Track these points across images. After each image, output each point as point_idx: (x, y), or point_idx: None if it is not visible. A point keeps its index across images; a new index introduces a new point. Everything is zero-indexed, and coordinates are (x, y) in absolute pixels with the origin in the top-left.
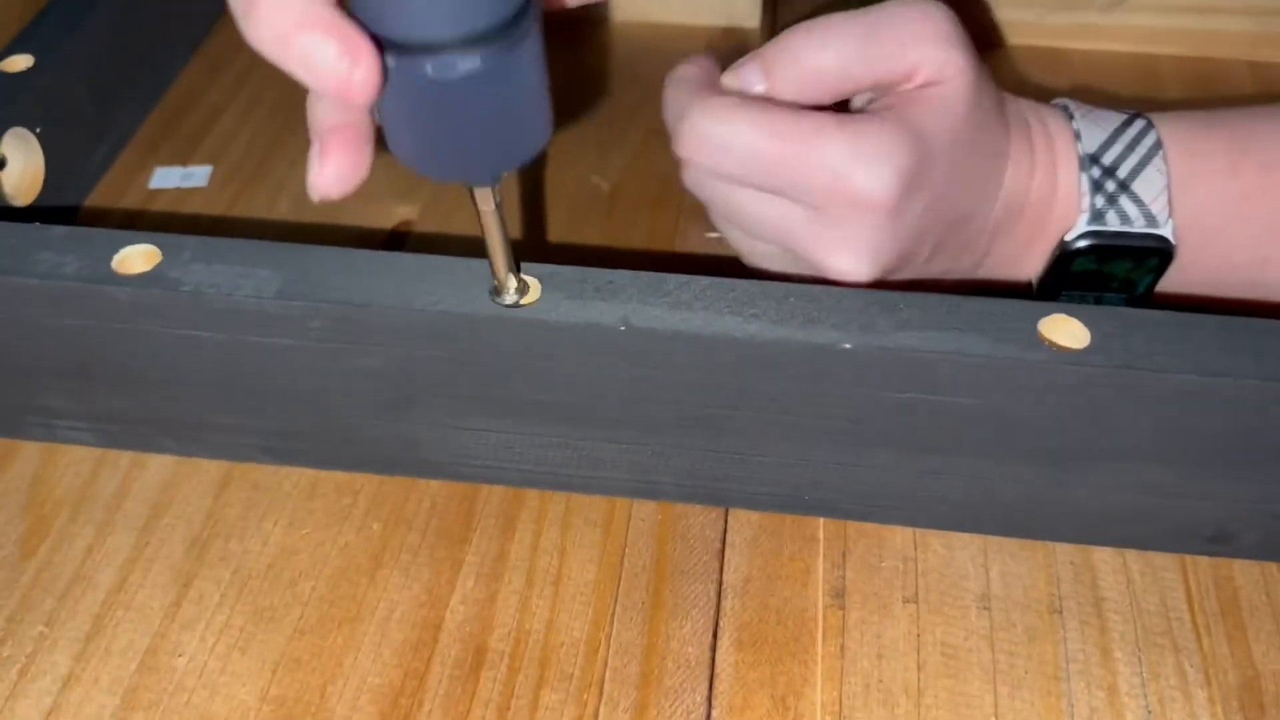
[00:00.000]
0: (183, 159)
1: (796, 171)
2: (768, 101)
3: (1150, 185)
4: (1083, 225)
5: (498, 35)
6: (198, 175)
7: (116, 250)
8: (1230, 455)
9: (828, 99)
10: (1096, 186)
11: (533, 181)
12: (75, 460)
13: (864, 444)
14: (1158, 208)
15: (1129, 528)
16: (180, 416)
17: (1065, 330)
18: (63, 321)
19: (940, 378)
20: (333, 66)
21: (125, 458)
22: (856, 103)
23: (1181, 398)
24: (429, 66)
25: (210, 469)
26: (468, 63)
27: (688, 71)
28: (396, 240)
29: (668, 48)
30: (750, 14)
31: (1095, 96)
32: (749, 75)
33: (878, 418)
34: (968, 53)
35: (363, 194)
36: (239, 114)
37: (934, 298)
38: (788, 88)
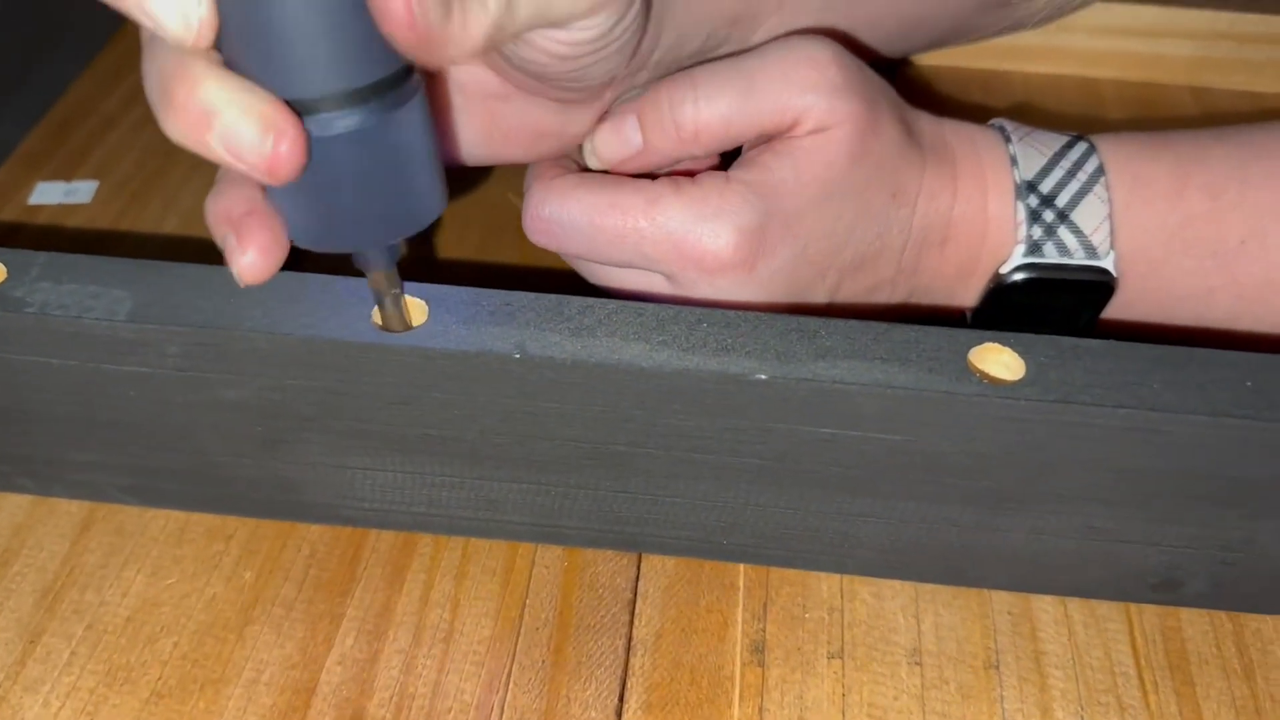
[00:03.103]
0: (68, 174)
1: (640, 244)
2: (606, 175)
3: (1091, 214)
4: (1019, 257)
5: (378, 95)
6: (82, 191)
7: None
8: (1175, 496)
9: (708, 152)
10: (1034, 216)
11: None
12: None
13: (784, 484)
14: (1098, 238)
15: (1070, 575)
16: (35, 452)
17: (998, 361)
18: None
19: (863, 412)
20: (258, 145)
21: None
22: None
23: (1122, 434)
24: (309, 125)
25: (71, 510)
26: (347, 120)
27: None
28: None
29: None
30: None
31: (1036, 120)
32: (626, 130)
33: (798, 455)
34: (854, 97)
35: None
36: (131, 128)
37: (859, 325)
38: (665, 144)
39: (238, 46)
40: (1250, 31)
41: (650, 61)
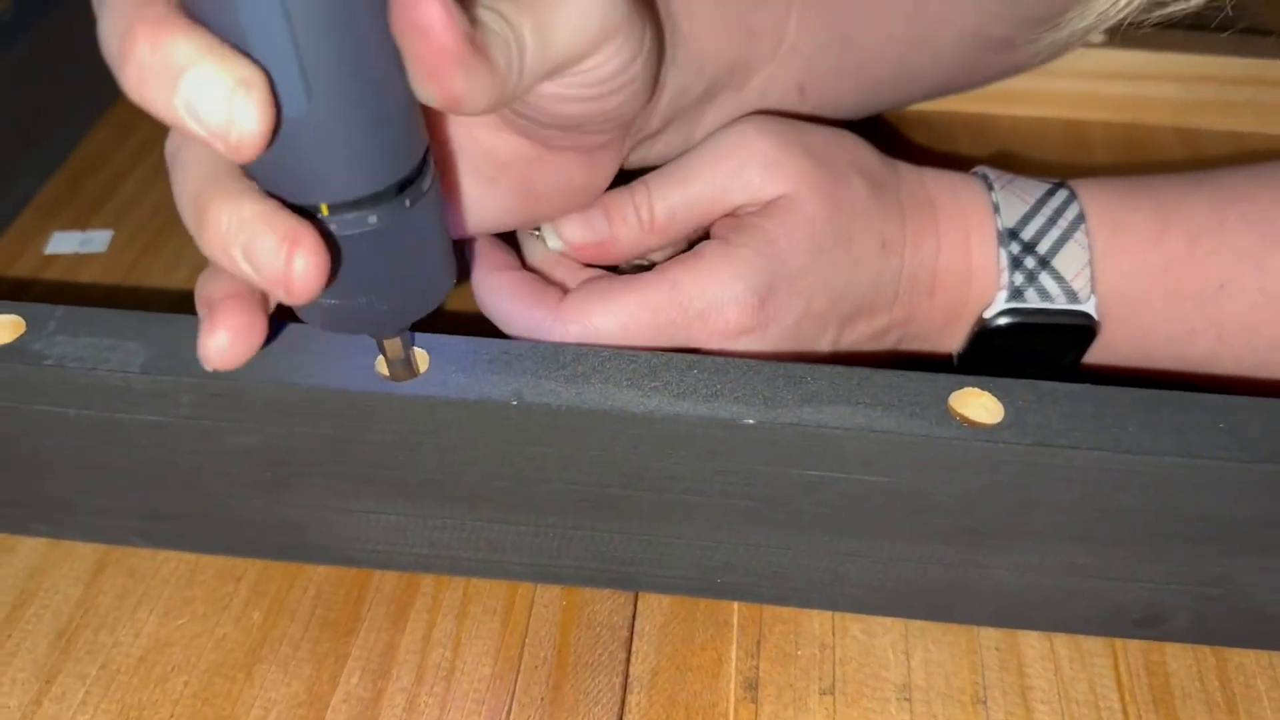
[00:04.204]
0: (83, 224)
1: (673, 334)
2: (608, 277)
3: (1072, 260)
4: (1002, 302)
5: (398, 192)
6: (97, 240)
7: None
8: (1153, 534)
9: (668, 241)
10: (1015, 263)
11: None
12: None
13: (774, 524)
14: (1079, 284)
15: (1054, 610)
16: (51, 497)
17: (978, 404)
18: None
19: (848, 454)
20: (280, 267)
21: None
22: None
23: (1099, 475)
24: (332, 225)
25: (85, 553)
26: (369, 219)
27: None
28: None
29: None
30: None
31: (1023, 163)
32: (593, 219)
33: (786, 496)
34: (796, 160)
35: None
36: (144, 178)
37: (843, 370)
38: (628, 233)
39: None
40: (1233, 74)
41: (659, 107)
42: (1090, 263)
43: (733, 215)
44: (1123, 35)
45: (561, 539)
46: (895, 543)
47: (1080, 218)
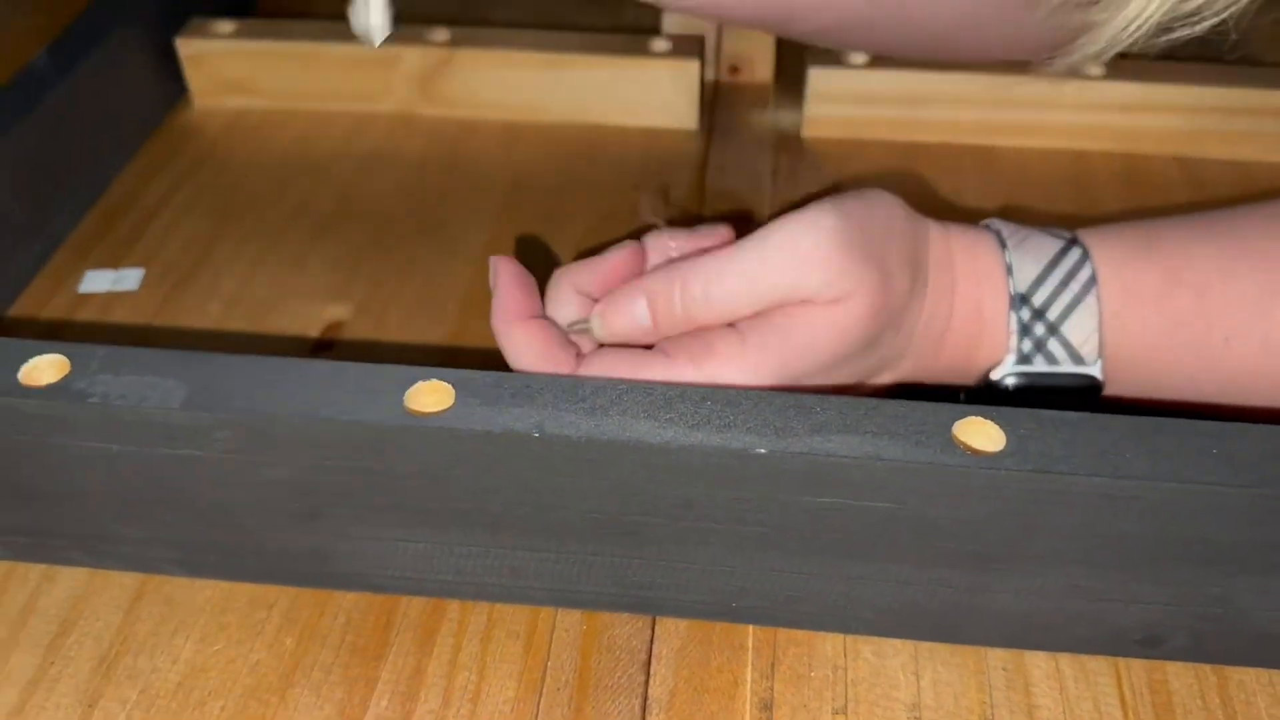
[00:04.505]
0: (115, 262)
1: None
2: (646, 359)
3: (1081, 326)
4: (1009, 365)
5: None
6: (129, 278)
7: (25, 361)
8: (1152, 557)
9: (723, 322)
10: (1025, 330)
11: (472, 280)
12: None
13: (787, 550)
14: (1087, 350)
15: (1059, 632)
16: (91, 529)
17: (981, 433)
18: None
19: (856, 482)
20: None
21: (35, 571)
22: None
23: (1098, 501)
24: None
25: (123, 581)
26: None
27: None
28: (325, 344)
29: (613, 150)
30: (689, 116)
31: (1030, 191)
32: (636, 312)
33: (798, 523)
34: (860, 269)
35: (295, 293)
36: (173, 217)
37: (852, 401)
38: (671, 326)
39: None
40: (1232, 105)
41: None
42: (1099, 327)
43: (768, 315)
44: (1122, 68)
45: (582, 565)
46: (903, 567)
47: (1092, 280)
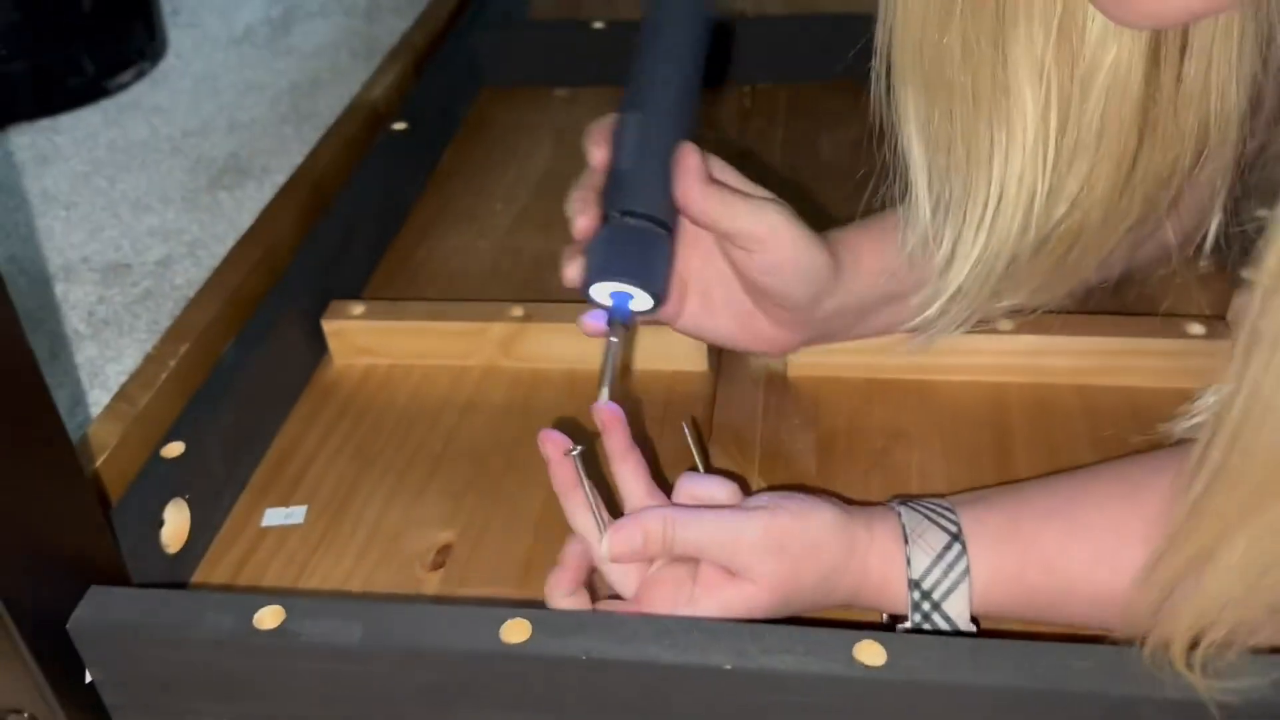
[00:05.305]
0: (285, 501)
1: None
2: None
3: (958, 604)
4: (907, 626)
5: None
6: (296, 514)
7: (256, 610)
8: None
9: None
10: (916, 606)
11: (544, 504)
12: None
13: None
14: (962, 620)
15: None
16: (294, 716)
17: (870, 651)
18: (219, 660)
19: (790, 686)
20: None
21: None
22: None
23: (942, 696)
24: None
25: None
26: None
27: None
28: (439, 563)
29: (647, 389)
30: (697, 359)
31: (959, 415)
32: (635, 540)
33: (754, 712)
34: (781, 568)
35: (417, 521)
36: (326, 461)
37: (789, 631)
38: (654, 551)
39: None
40: (1113, 349)
41: (834, 310)
42: (970, 603)
43: (716, 568)
44: (1029, 324)
45: None
46: None
47: (965, 571)
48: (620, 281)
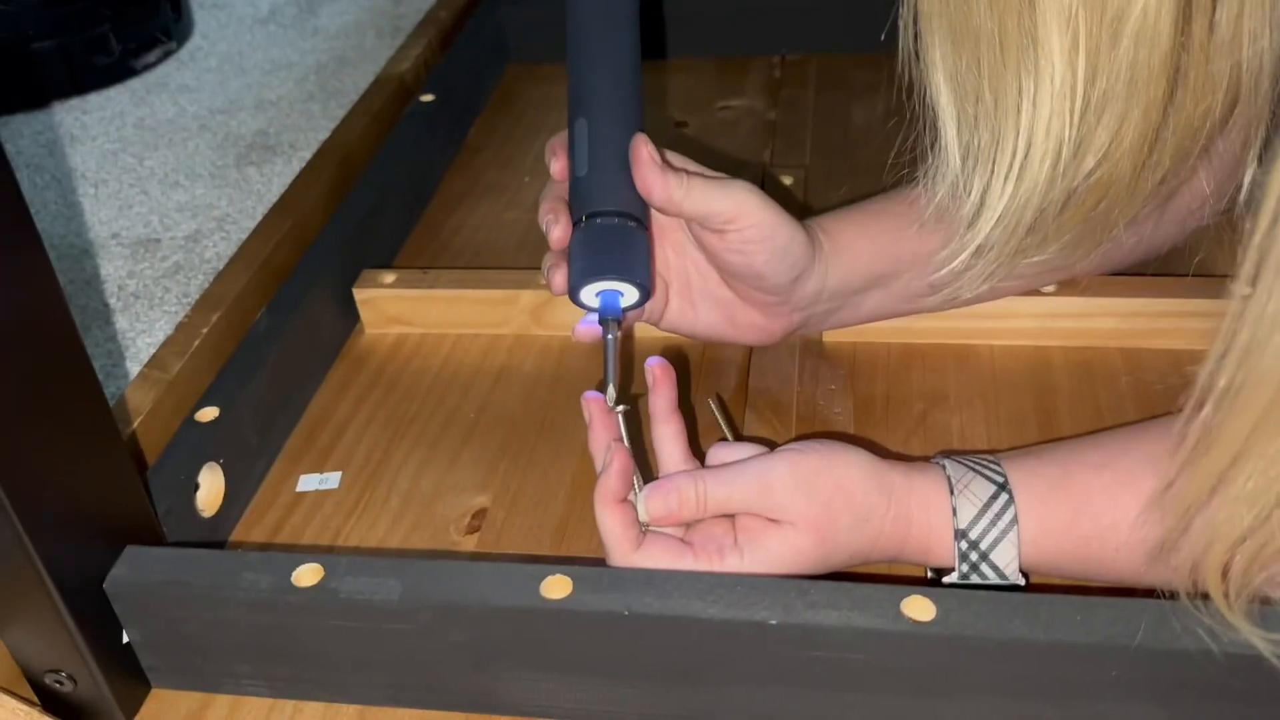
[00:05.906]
0: (319, 467)
1: None
2: (683, 551)
3: (1005, 554)
4: (953, 578)
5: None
6: (331, 480)
7: (294, 569)
8: (1050, 685)
9: (724, 514)
10: (963, 557)
11: (577, 471)
12: (254, 708)
13: (799, 686)
14: (1010, 571)
15: None
16: (331, 676)
17: (919, 607)
18: (256, 618)
19: (836, 642)
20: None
21: (289, 705)
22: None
23: (993, 652)
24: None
25: (348, 711)
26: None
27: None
28: (475, 526)
29: (680, 355)
30: None
31: (1000, 378)
32: (671, 502)
33: (803, 670)
34: (814, 510)
35: (452, 487)
36: (358, 429)
37: (836, 586)
38: (688, 512)
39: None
40: (1160, 309)
41: (822, 293)
42: (1018, 554)
43: (754, 517)
44: (1071, 285)
45: (658, 697)
46: (880, 696)
47: (1014, 520)
48: (604, 279)
